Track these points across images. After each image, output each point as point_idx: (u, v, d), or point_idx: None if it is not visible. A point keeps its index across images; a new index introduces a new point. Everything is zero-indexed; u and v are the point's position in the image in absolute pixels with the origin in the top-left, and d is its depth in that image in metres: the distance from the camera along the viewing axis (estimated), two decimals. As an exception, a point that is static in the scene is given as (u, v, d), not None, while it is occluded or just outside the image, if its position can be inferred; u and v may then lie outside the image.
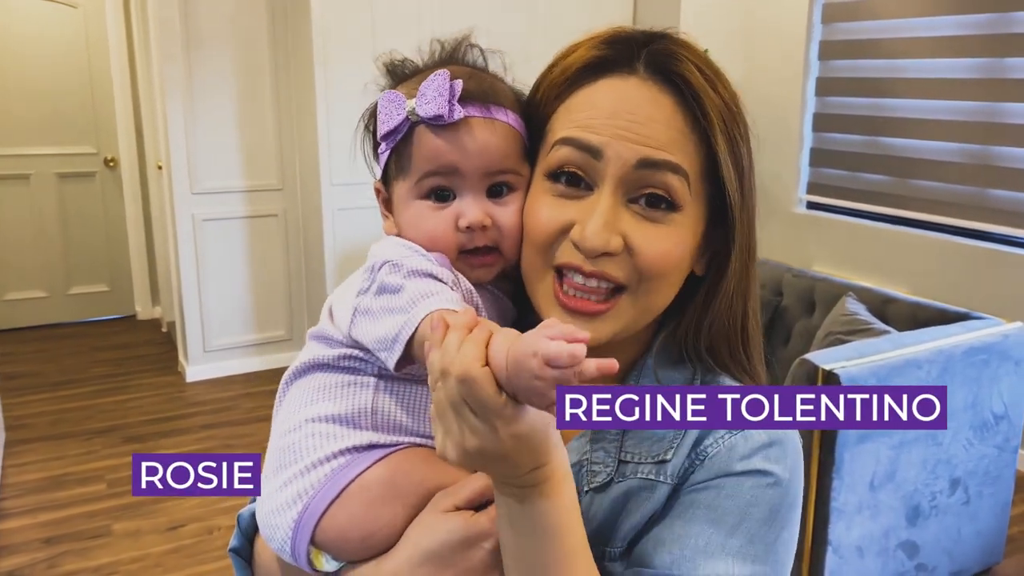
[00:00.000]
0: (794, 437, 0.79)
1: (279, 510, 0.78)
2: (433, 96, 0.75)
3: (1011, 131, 3.64)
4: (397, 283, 0.73)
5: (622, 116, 0.74)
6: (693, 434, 0.77)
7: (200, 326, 4.54)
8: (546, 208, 0.77)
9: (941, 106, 3.92)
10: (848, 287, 3.22)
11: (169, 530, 3.09)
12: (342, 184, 4.25)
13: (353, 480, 0.75)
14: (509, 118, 0.79)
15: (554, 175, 0.77)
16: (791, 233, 4.61)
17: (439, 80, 0.75)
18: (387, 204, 0.84)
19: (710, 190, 0.78)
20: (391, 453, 0.77)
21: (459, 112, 0.76)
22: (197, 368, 4.57)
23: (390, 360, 0.72)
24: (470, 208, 0.78)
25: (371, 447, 0.77)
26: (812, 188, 4.62)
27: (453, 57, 0.84)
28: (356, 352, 0.79)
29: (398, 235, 0.82)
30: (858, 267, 4.26)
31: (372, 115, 0.82)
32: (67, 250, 5.45)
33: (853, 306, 3.03)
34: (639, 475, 0.77)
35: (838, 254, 4.41)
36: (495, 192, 0.79)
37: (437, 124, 0.76)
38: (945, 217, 3.95)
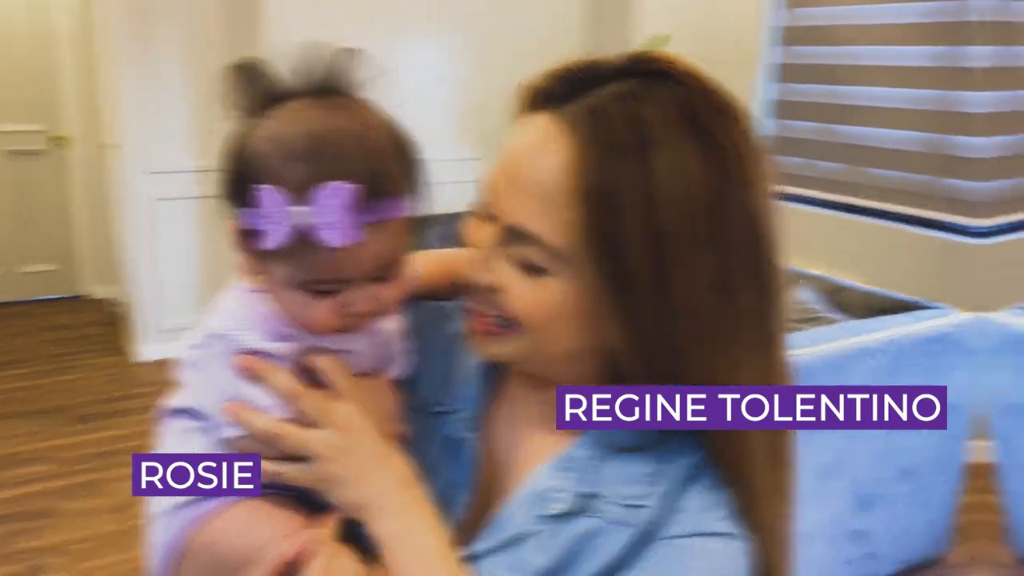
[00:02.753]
0: None
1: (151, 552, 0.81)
2: (335, 219, 0.68)
3: (968, 120, 3.67)
4: (216, 361, 0.76)
5: (510, 169, 0.72)
6: (673, 487, 0.73)
7: (153, 307, 4.45)
8: (471, 228, 0.77)
9: (898, 94, 3.95)
10: (800, 275, 3.24)
11: (120, 510, 3.03)
12: (299, 163, 4.17)
13: (184, 536, 0.76)
14: (403, 207, 0.74)
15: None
16: (748, 222, 4.63)
17: (340, 199, 0.68)
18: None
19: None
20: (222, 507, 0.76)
21: (361, 234, 0.69)
22: (149, 348, 4.48)
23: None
24: (359, 299, 0.74)
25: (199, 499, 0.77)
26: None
27: (327, 82, 0.76)
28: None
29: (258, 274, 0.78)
30: (811, 255, 4.30)
31: (243, 159, 0.73)
32: (16, 229, 5.29)
33: (805, 294, 3.06)
34: (608, 515, 0.72)
35: (791, 242, 4.43)
36: (380, 277, 0.75)
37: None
38: (900, 206, 3.99)
